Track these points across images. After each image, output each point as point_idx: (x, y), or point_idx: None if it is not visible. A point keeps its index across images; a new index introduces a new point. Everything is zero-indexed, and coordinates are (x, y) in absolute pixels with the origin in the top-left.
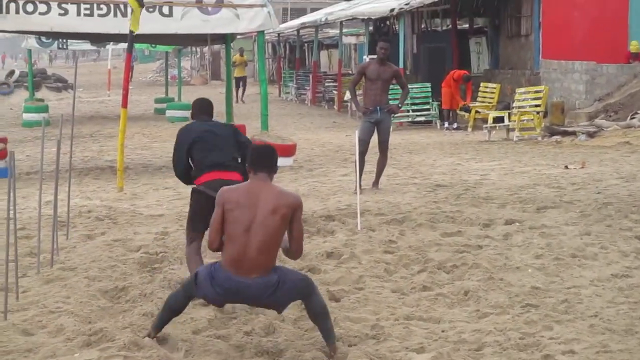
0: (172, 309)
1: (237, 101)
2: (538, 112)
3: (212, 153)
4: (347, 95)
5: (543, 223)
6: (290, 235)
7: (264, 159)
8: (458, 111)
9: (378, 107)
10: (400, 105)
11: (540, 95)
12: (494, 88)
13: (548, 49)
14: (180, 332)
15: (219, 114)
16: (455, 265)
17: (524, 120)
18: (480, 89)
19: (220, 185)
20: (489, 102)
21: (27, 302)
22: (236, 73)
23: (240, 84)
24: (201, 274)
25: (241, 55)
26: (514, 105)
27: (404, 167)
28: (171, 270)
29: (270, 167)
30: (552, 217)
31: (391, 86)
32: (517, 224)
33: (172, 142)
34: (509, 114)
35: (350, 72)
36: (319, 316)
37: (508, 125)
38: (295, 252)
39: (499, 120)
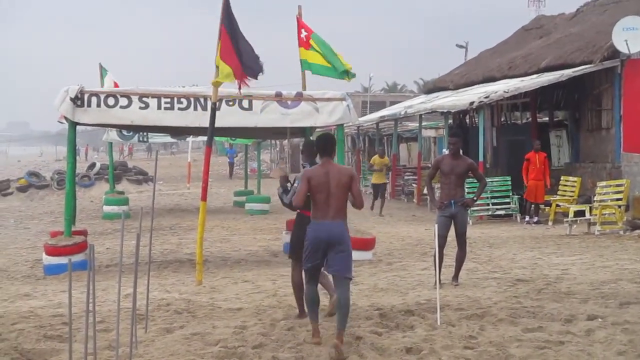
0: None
1: (372, 208)
2: (620, 206)
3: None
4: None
5: (626, 319)
6: (352, 193)
7: (327, 147)
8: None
9: (452, 201)
10: (475, 198)
11: (622, 188)
12: (575, 181)
13: (629, 142)
14: None
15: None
16: None
17: (605, 214)
18: (561, 182)
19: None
20: (570, 196)
21: None
22: (374, 179)
23: (379, 193)
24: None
25: (381, 156)
26: (595, 198)
27: (483, 261)
28: None
29: (331, 153)
30: (635, 313)
31: (471, 179)
32: (600, 319)
33: (251, 235)
34: (590, 207)
35: (429, 165)
36: (342, 307)
37: (589, 219)
38: (357, 203)
39: (580, 214)
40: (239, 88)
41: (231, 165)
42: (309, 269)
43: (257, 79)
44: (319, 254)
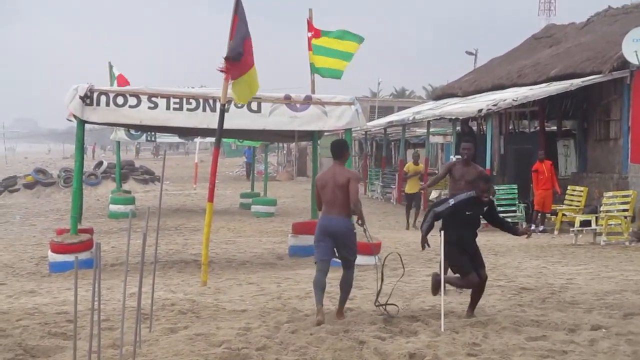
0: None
1: (407, 227)
2: (626, 217)
3: None
4: (433, 195)
5: (630, 330)
6: (348, 191)
7: (336, 152)
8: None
9: None
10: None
11: (629, 199)
12: (581, 191)
13: (637, 154)
14: None
15: (304, 211)
16: None
17: (611, 224)
18: (568, 191)
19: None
20: (576, 206)
21: None
22: (408, 188)
23: (413, 203)
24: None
25: (416, 163)
26: (602, 209)
27: (488, 269)
28: None
29: (340, 157)
30: (639, 323)
31: None
32: (604, 330)
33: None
34: (596, 217)
35: (436, 171)
36: (346, 286)
37: (595, 229)
38: (351, 200)
39: (586, 223)
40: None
41: (248, 165)
42: (318, 264)
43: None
44: (327, 245)
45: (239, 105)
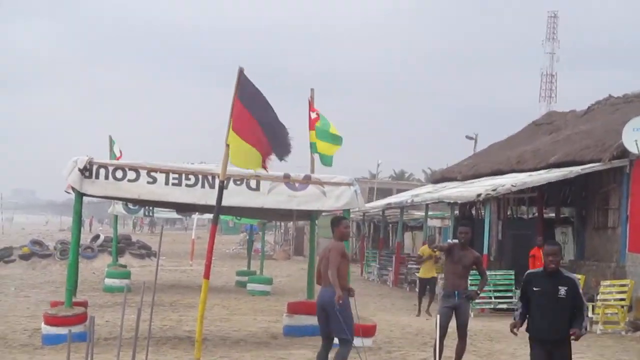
0: None
1: (418, 314)
2: (623, 306)
3: None
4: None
5: None
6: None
7: (331, 228)
8: None
9: (456, 292)
10: (478, 292)
11: (626, 289)
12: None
13: (635, 243)
14: None
15: (300, 291)
16: None
17: (608, 313)
18: None
19: None
20: None
21: None
22: (422, 272)
23: (427, 288)
24: None
25: (431, 247)
26: (598, 297)
27: (483, 355)
28: None
29: (333, 232)
30: None
31: (473, 272)
32: None
33: (252, 315)
34: (593, 306)
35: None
36: None
37: (592, 317)
38: (330, 268)
39: None
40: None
41: (250, 243)
42: (321, 335)
43: (282, 159)
44: (322, 320)
45: (238, 182)
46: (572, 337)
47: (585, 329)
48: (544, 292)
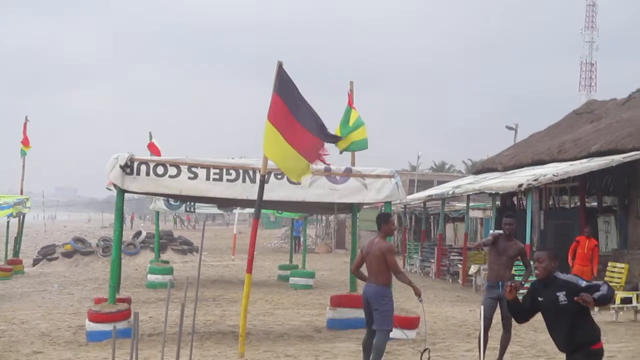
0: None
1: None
2: None
3: None
4: (472, 270)
5: None
6: (387, 263)
7: (377, 224)
8: None
9: (500, 283)
10: (523, 283)
11: None
12: (622, 268)
13: None
14: None
15: (342, 284)
16: None
17: None
18: (608, 268)
19: None
20: (617, 282)
21: None
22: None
23: None
24: None
25: (476, 247)
26: None
27: (528, 345)
28: None
29: (379, 228)
30: None
31: (517, 262)
32: None
33: (295, 309)
34: (637, 295)
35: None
36: (375, 350)
37: (636, 306)
38: (392, 271)
39: (627, 301)
40: (323, 160)
41: (297, 239)
42: (366, 325)
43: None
44: (366, 312)
45: (279, 176)
46: (580, 300)
47: (602, 299)
48: (546, 303)
